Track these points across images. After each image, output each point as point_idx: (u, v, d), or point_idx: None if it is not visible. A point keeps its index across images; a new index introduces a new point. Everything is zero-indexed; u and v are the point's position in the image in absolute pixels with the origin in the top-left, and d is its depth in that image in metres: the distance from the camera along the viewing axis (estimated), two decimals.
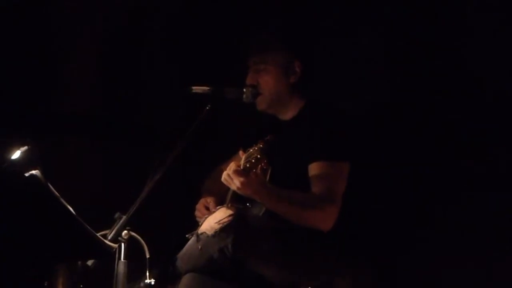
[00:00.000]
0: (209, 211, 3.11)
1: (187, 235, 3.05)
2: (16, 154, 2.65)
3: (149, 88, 4.02)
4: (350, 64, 3.69)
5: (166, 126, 3.89)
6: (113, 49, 4.00)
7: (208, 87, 3.11)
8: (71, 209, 2.60)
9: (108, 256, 2.74)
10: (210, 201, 3.19)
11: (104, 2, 3.97)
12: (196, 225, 3.07)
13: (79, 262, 2.78)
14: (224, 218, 2.92)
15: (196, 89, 3.12)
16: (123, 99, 3.99)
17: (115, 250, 2.80)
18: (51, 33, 3.94)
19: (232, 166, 2.88)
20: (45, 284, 2.65)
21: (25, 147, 2.66)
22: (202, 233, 2.95)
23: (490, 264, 3.36)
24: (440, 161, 3.49)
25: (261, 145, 2.87)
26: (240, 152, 2.97)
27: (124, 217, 2.87)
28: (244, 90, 3.16)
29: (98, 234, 2.70)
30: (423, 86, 3.55)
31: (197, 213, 3.21)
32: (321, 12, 3.72)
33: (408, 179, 3.52)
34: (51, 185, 2.58)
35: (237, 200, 3.05)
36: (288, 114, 3.21)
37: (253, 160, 2.84)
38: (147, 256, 2.89)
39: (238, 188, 2.88)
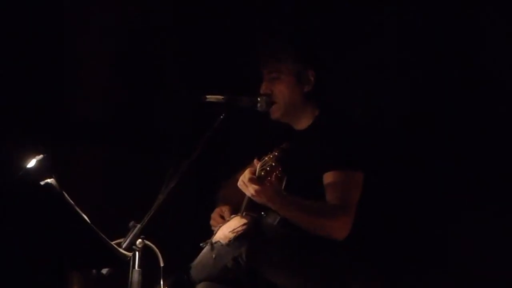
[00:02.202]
0: (224, 220, 3.11)
1: (201, 244, 3.05)
2: (31, 163, 2.66)
3: (163, 97, 4.03)
4: (363, 73, 3.69)
5: (180, 134, 3.89)
6: (127, 57, 4.01)
7: (222, 95, 3.11)
8: (85, 217, 2.61)
9: (122, 264, 2.74)
10: (225, 210, 3.19)
11: (118, 10, 3.98)
12: (210, 233, 3.07)
13: (94, 271, 2.78)
14: (238, 227, 2.91)
15: (210, 97, 3.12)
16: (137, 107, 4.00)
17: (130, 258, 2.79)
18: (66, 41, 3.96)
19: (246, 174, 2.88)
20: None
21: (40, 156, 2.66)
22: (216, 242, 2.95)
23: (505, 270, 3.34)
24: (455, 168, 3.48)
25: (276, 153, 2.86)
26: (255, 161, 2.97)
27: (138, 226, 2.87)
28: (258, 99, 3.16)
29: (112, 243, 2.70)
30: (437, 94, 3.54)
31: (212, 222, 3.20)
32: (334, 20, 3.72)
33: (422, 187, 3.51)
34: (66, 193, 2.58)
35: (251, 209, 3.05)
36: (302, 123, 3.20)
37: (268, 168, 2.84)
38: (161, 264, 2.89)
39: (252, 195, 2.89)
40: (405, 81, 3.61)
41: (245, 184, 2.87)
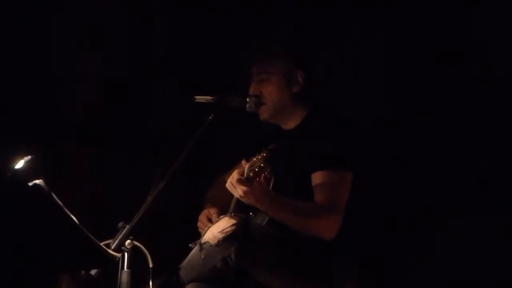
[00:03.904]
0: (211, 223, 3.11)
1: (190, 245, 3.04)
2: (19, 164, 2.65)
3: (153, 97, 4.03)
4: (352, 73, 3.70)
5: (169, 135, 3.89)
6: (117, 58, 4.01)
7: (211, 96, 3.12)
8: (74, 218, 2.61)
9: (111, 265, 2.74)
10: (213, 212, 3.18)
11: (109, 12, 3.98)
12: (199, 234, 3.07)
13: (83, 271, 2.77)
14: (227, 228, 2.92)
15: (199, 98, 3.13)
16: (127, 109, 3.99)
17: (119, 259, 2.79)
18: (56, 43, 3.95)
19: (235, 175, 2.88)
20: None
21: (29, 157, 2.66)
22: (205, 243, 2.95)
23: (504, 271, 3.35)
24: (446, 169, 3.49)
25: (264, 154, 2.87)
26: (243, 162, 2.98)
27: (127, 227, 2.87)
28: (247, 99, 3.17)
29: (101, 244, 2.70)
30: (435, 94, 3.55)
31: (199, 224, 3.20)
32: (323, 21, 3.73)
33: (415, 186, 3.52)
34: (54, 194, 2.58)
35: (240, 210, 3.05)
36: (291, 123, 3.21)
37: (256, 169, 2.85)
38: (151, 265, 2.89)
39: (241, 196, 2.89)
40: (402, 82, 3.62)
41: (233, 185, 2.87)
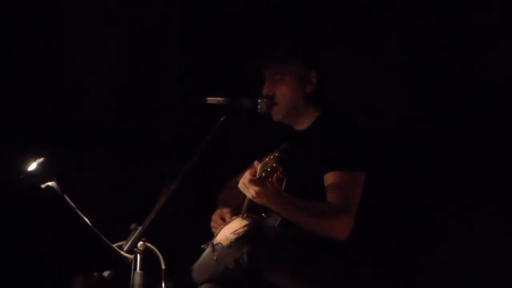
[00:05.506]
0: (224, 222, 3.11)
1: (202, 246, 3.04)
2: (32, 166, 2.66)
3: (164, 99, 4.03)
4: (365, 75, 3.69)
5: (181, 137, 3.89)
6: (129, 62, 4.02)
7: (222, 97, 3.12)
8: (87, 220, 2.61)
9: (124, 267, 2.74)
10: (226, 212, 3.19)
11: (119, 16, 3.99)
12: (212, 235, 3.07)
13: (95, 273, 2.78)
14: (239, 229, 2.91)
15: (211, 100, 3.13)
16: (138, 111, 4.00)
17: (131, 261, 2.80)
18: (67, 47, 3.97)
19: (247, 175, 2.88)
20: None
21: (41, 159, 2.67)
22: (217, 244, 2.95)
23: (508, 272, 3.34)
24: (457, 169, 3.48)
25: (276, 154, 2.86)
26: (255, 162, 2.98)
27: (139, 228, 2.88)
28: (259, 100, 3.17)
29: (114, 245, 2.71)
30: (439, 97, 3.54)
31: (212, 224, 3.20)
32: (337, 22, 3.73)
33: (425, 187, 3.51)
34: (68, 196, 2.59)
35: (252, 210, 3.05)
36: (303, 124, 3.21)
37: (268, 169, 2.84)
38: (163, 267, 2.90)
39: (253, 197, 2.89)
40: (406, 83, 3.61)
41: (246, 185, 2.87)
